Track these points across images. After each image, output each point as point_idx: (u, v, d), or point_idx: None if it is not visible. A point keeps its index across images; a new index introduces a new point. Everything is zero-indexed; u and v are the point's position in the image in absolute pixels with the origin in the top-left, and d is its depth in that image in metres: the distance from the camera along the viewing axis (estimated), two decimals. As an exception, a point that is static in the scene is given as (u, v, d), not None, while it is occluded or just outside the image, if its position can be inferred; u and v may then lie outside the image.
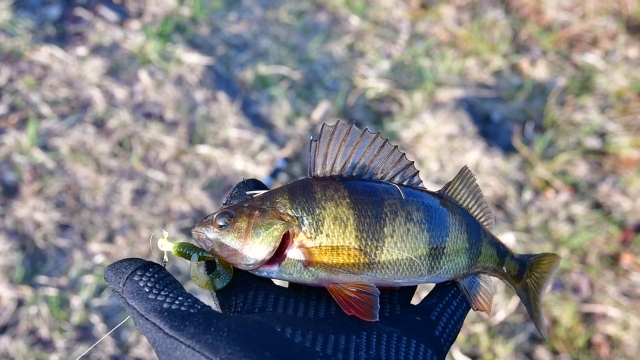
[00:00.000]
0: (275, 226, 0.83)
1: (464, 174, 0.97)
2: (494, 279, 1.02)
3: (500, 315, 2.56)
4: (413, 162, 0.92)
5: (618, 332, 2.56)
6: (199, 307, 0.75)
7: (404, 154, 0.91)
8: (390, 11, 3.81)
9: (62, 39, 3.11)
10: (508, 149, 3.16)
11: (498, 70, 3.54)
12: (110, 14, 3.26)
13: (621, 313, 2.60)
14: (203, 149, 2.88)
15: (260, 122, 3.09)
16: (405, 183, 0.91)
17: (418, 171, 0.92)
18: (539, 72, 3.55)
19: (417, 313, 0.86)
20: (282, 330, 0.74)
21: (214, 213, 0.86)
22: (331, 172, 0.88)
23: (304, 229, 0.84)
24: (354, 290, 0.82)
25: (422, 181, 0.93)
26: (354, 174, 0.89)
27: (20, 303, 2.36)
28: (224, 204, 0.94)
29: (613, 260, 2.79)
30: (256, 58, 3.37)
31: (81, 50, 3.07)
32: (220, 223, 0.84)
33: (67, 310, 2.37)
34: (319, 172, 0.88)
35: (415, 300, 0.91)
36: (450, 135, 3.16)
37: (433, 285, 0.94)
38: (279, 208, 0.85)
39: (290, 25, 3.60)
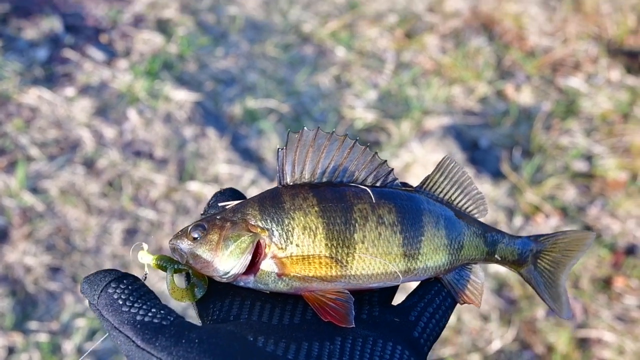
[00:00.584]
0: (243, 238, 0.83)
1: (443, 166, 0.95)
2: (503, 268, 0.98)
3: (496, 344, 2.56)
4: (385, 160, 0.91)
5: (614, 356, 2.56)
6: (172, 318, 0.75)
7: (376, 153, 0.90)
8: (375, 42, 3.85)
9: (51, 81, 3.13)
10: (497, 175, 3.18)
11: (484, 96, 3.58)
12: (98, 54, 3.28)
13: (616, 337, 2.60)
14: (193, 186, 2.88)
15: (250, 157, 3.10)
16: (379, 183, 0.90)
17: (392, 169, 0.91)
18: (524, 97, 3.59)
19: (396, 314, 0.86)
20: (254, 340, 0.74)
21: (188, 225, 0.87)
22: (301, 179, 0.88)
23: (274, 239, 0.85)
24: (330, 297, 0.82)
25: (397, 179, 0.92)
26: (325, 179, 0.88)
27: (11, 350, 2.34)
28: (202, 214, 0.94)
29: (605, 284, 2.80)
30: (244, 92, 3.39)
31: (69, 91, 3.08)
32: (194, 235, 0.84)
33: (59, 356, 2.35)
34: (288, 180, 0.88)
35: (401, 297, 0.90)
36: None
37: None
38: (249, 219, 0.85)
39: (277, 59, 3.63)
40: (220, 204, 0.93)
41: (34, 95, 3.03)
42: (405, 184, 0.94)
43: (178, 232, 0.87)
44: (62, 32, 3.31)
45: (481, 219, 0.98)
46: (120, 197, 2.79)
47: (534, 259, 0.97)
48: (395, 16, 3.95)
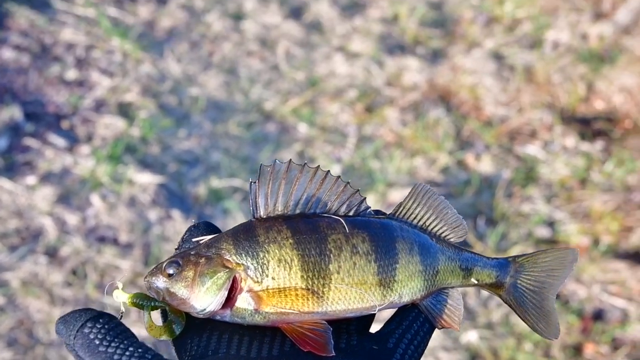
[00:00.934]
0: (219, 274, 0.83)
1: (416, 192, 0.95)
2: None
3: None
4: (358, 190, 0.92)
5: None
6: (150, 357, 0.74)
7: (348, 182, 0.91)
8: (336, 117, 3.92)
9: (11, 170, 3.10)
10: (463, 244, 3.20)
11: (445, 167, 3.64)
12: (59, 140, 3.27)
13: (590, 405, 2.60)
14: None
15: (216, 237, 3.08)
16: (352, 212, 0.91)
17: (364, 198, 0.92)
18: (485, 166, 3.67)
19: (374, 341, 0.85)
20: None
21: (163, 262, 0.86)
22: (274, 212, 0.88)
23: (249, 273, 0.84)
24: (307, 327, 0.82)
25: (369, 207, 0.93)
26: (298, 210, 0.88)
27: None
28: (176, 249, 0.93)
29: (576, 351, 2.81)
30: (208, 172, 3.40)
31: (30, 180, 3.05)
32: (169, 272, 0.84)
33: None
34: (262, 212, 0.88)
35: (378, 325, 0.90)
36: (405, 235, 3.20)
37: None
38: (223, 254, 0.85)
39: (240, 137, 3.67)
40: (193, 240, 0.92)
41: (-6, 185, 2.99)
42: (378, 212, 0.95)
43: (153, 269, 0.86)
44: (22, 121, 3.30)
45: (461, 241, 0.98)
46: (84, 286, 2.73)
47: (513, 280, 0.97)
48: (355, 91, 4.04)
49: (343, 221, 0.89)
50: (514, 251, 3.15)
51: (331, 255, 0.86)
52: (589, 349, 2.79)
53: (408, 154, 3.70)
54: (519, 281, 0.98)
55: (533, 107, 3.98)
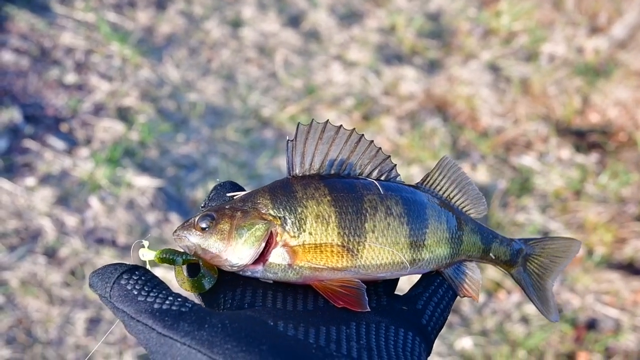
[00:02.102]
0: (257, 226, 0.83)
1: (442, 165, 0.97)
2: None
3: None
4: (389, 156, 0.93)
5: None
6: (190, 305, 0.74)
7: (380, 148, 0.92)
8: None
9: (10, 171, 3.10)
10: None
11: (441, 176, 3.67)
12: (59, 143, 3.28)
13: (583, 413, 2.62)
14: (157, 272, 2.84)
15: (213, 242, 3.09)
16: (383, 177, 0.92)
17: (395, 165, 0.93)
18: (480, 175, 3.70)
19: (403, 303, 0.87)
20: (275, 324, 0.74)
21: (195, 216, 0.85)
22: (310, 171, 0.88)
23: (286, 228, 0.84)
24: (339, 285, 0.82)
25: (399, 174, 0.94)
26: (332, 171, 0.89)
27: None
28: (202, 207, 0.92)
29: (569, 359, 2.83)
30: (206, 177, 3.41)
31: (30, 181, 3.06)
32: (203, 225, 0.83)
33: None
34: (297, 171, 0.89)
35: (398, 292, 0.91)
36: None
37: (418, 276, 0.94)
38: (260, 208, 0.85)
39: (238, 143, 3.69)
40: (228, 194, 0.92)
41: (-7, 186, 3.00)
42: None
43: (184, 223, 0.86)
44: (21, 123, 3.31)
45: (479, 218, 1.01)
46: (82, 286, 2.73)
47: (524, 261, 1.00)
48: (352, 99, 4.07)
49: (377, 183, 0.90)
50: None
51: (367, 215, 0.87)
52: (582, 358, 2.82)
53: (404, 163, 3.73)
54: (528, 263, 1.01)
55: (529, 119, 4.03)
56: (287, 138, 0.89)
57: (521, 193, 3.61)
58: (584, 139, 3.95)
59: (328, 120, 0.91)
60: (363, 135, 0.91)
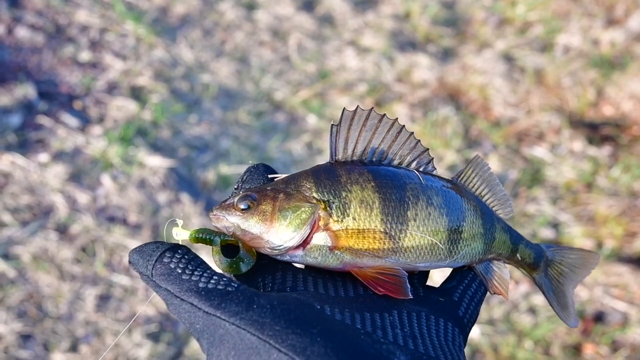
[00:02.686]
0: (303, 209, 0.82)
1: (475, 162, 0.98)
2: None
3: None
4: (428, 149, 0.93)
5: None
6: (236, 285, 0.73)
7: (419, 140, 0.92)
8: (346, 110, 3.93)
9: (24, 147, 3.12)
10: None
11: (452, 164, 3.66)
12: (72, 120, 3.29)
13: (588, 404, 2.63)
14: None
15: (223, 223, 3.10)
16: (421, 169, 0.92)
17: (432, 158, 0.94)
18: (492, 165, 3.67)
19: (439, 294, 0.87)
20: (322, 308, 0.73)
21: (234, 196, 0.84)
22: (352, 157, 0.88)
23: (330, 212, 0.84)
24: (380, 272, 0.82)
25: (435, 168, 0.95)
26: (374, 158, 0.89)
27: None
28: (235, 188, 0.91)
29: (576, 351, 2.84)
30: (217, 159, 3.42)
31: (43, 157, 3.07)
32: (243, 206, 0.82)
33: None
34: (340, 156, 0.88)
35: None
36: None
37: (449, 270, 0.95)
38: (304, 191, 0.84)
39: (250, 126, 3.69)
40: (270, 176, 0.91)
41: (6, 161, 3.01)
42: None
43: (222, 203, 0.85)
44: (35, 99, 3.32)
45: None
46: (93, 263, 2.75)
47: (545, 266, 1.01)
48: (365, 85, 4.06)
49: (418, 173, 0.90)
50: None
51: (409, 203, 0.87)
52: (589, 350, 2.82)
53: (416, 150, 3.72)
54: (549, 268, 1.03)
55: (542, 110, 4.01)
56: (332, 123, 0.89)
57: (532, 184, 3.60)
58: (596, 131, 3.93)
59: (373, 108, 0.91)
60: (404, 126, 0.91)
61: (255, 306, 0.71)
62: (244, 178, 0.93)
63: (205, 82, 3.82)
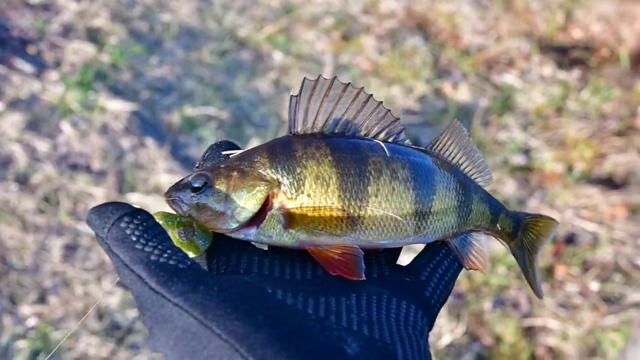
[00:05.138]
0: (257, 187, 0.79)
1: (452, 128, 0.92)
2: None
3: (446, 339, 2.58)
4: (399, 118, 0.87)
5: (558, 342, 2.62)
6: (189, 262, 0.69)
7: (390, 110, 0.87)
8: (312, 44, 3.85)
9: (-23, 95, 3.01)
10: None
11: (422, 95, 3.61)
12: (27, 66, 3.17)
13: (560, 324, 2.66)
14: (134, 197, 2.81)
15: (191, 165, 3.04)
16: (391, 140, 0.87)
17: (404, 128, 0.88)
18: (462, 94, 3.64)
19: (406, 273, 0.83)
20: (273, 292, 0.70)
21: (188, 176, 0.81)
22: (312, 129, 0.84)
23: (284, 189, 0.80)
24: (337, 252, 0.79)
25: (407, 138, 0.89)
26: (337, 130, 0.84)
27: (-53, 377, 2.23)
28: (195, 167, 0.88)
29: (548, 273, 2.86)
30: (182, 100, 3.33)
31: (-2, 106, 2.97)
32: (197, 185, 0.79)
33: (0, 380, 2.25)
34: (299, 129, 0.83)
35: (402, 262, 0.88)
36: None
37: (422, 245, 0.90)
38: (258, 168, 0.80)
39: (214, 65, 3.59)
40: (223, 153, 0.87)
41: (-41, 111, 2.91)
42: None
43: (177, 184, 0.81)
44: (-13, 45, 3.19)
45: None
46: (57, 213, 2.69)
47: (521, 235, 0.97)
48: (331, 18, 3.96)
49: (383, 145, 0.85)
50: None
51: (370, 177, 0.82)
52: (560, 271, 2.85)
53: (385, 83, 3.66)
54: (524, 237, 0.98)
55: (511, 36, 3.95)
56: (291, 93, 0.83)
57: (503, 111, 3.57)
58: (566, 55, 3.89)
59: (336, 77, 0.84)
60: (372, 95, 0.85)
61: (202, 287, 0.67)
62: (206, 156, 0.89)
63: (165, 22, 3.69)
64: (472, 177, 0.94)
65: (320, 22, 3.95)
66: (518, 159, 3.32)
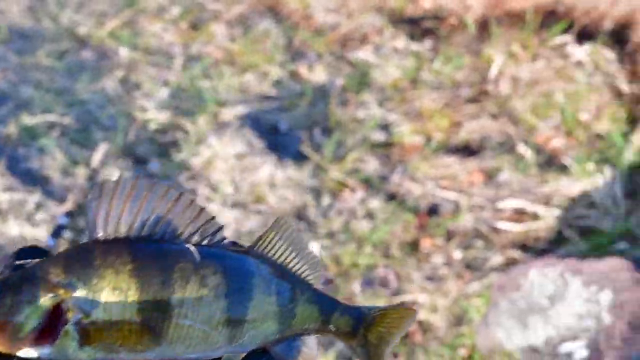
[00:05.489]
0: (42, 300, 0.70)
1: (278, 224, 0.84)
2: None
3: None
4: (214, 217, 0.80)
5: (428, 315, 2.64)
6: None
7: (204, 208, 0.78)
8: (160, 37, 3.68)
9: None
10: (299, 158, 3.15)
11: (278, 80, 3.54)
12: None
13: (428, 297, 2.68)
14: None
15: (32, 179, 2.83)
16: (206, 241, 0.79)
17: (222, 226, 0.80)
18: (318, 75, 3.60)
19: None
20: None
21: None
22: (115, 234, 0.75)
23: (78, 302, 0.72)
24: None
25: (226, 237, 0.81)
26: (144, 233, 0.76)
27: None
28: None
29: (414, 246, 2.88)
30: (18, 109, 3.10)
31: None
32: None
33: None
34: (101, 234, 0.75)
35: None
36: (239, 154, 3.09)
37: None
38: (51, 278, 0.71)
39: (53, 68, 3.36)
40: (17, 262, 0.77)
41: None
42: (235, 243, 0.83)
43: None
44: None
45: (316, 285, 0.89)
46: None
47: (364, 331, 0.88)
48: (178, 8, 3.81)
49: (193, 249, 0.77)
50: (351, 158, 3.13)
51: (175, 286, 0.74)
52: (426, 243, 2.87)
53: (238, 70, 3.55)
54: (368, 334, 0.91)
55: (362, 12, 3.93)
56: (89, 196, 0.74)
57: (360, 89, 3.55)
58: (417, 26, 3.92)
59: (139, 175, 0.75)
60: (183, 192, 0.77)
61: None
62: (8, 263, 0.79)
63: (-8, 25, 3.41)
64: (303, 274, 0.86)
65: (167, 13, 3.78)
66: (378, 135, 3.31)
